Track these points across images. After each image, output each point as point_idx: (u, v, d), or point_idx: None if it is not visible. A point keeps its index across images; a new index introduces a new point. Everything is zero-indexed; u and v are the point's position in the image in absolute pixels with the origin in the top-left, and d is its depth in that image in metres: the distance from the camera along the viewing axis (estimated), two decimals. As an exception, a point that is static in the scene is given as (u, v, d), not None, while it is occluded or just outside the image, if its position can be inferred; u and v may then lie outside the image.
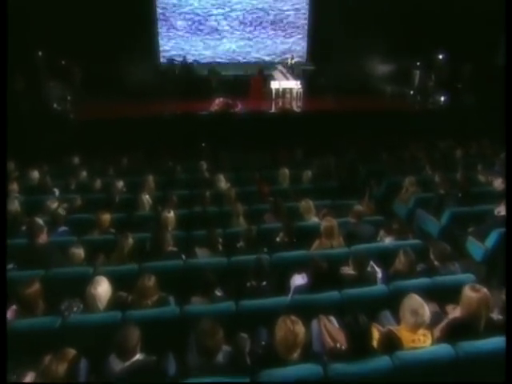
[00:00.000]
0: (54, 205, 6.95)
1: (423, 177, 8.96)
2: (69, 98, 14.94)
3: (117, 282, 4.70)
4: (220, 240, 5.95)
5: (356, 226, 6.36)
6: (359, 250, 5.66)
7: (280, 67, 16.69)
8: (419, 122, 14.08)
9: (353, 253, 5.41)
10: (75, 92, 15.27)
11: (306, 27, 18.49)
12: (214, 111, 13.89)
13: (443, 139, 12.22)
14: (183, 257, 5.75)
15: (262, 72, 16.92)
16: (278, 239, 6.12)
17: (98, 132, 12.52)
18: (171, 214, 6.45)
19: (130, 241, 5.56)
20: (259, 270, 4.98)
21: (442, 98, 15.17)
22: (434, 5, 15.87)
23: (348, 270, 5.34)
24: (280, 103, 15.90)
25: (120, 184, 8.05)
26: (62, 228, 6.44)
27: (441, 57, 15.64)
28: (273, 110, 15.54)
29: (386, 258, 5.72)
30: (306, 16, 18.40)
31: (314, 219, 6.90)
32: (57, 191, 8.06)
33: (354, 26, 16.85)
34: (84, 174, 8.77)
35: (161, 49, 17.74)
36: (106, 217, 6.39)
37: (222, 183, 8.25)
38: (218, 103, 13.94)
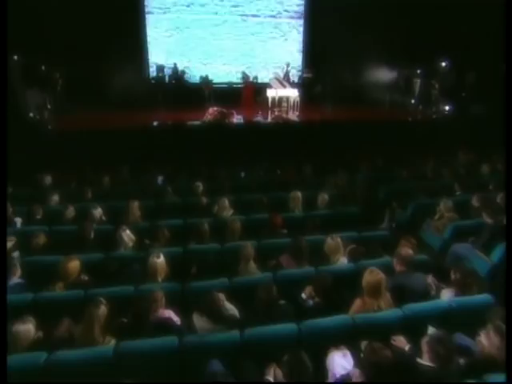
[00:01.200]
0: (10, 243, 5.09)
1: (455, 198, 7.23)
2: (48, 106, 13.03)
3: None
4: (225, 304, 4.08)
5: (405, 276, 4.56)
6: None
7: (276, 75, 14.95)
8: (426, 133, 12.45)
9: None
10: (55, 100, 13.36)
11: (302, 33, 16.79)
12: (208, 121, 12.08)
13: (457, 151, 10.61)
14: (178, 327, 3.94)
15: (248, 81, 15.30)
16: (304, 296, 4.33)
17: (77, 145, 10.59)
18: (161, 260, 4.63)
19: (103, 310, 3.71)
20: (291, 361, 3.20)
21: (447, 108, 13.54)
22: (435, 11, 14.27)
23: (404, 343, 3.63)
24: (276, 112, 14.20)
25: (98, 212, 6.20)
26: (15, 280, 4.57)
27: (444, 64, 14.00)
28: (269, 119, 13.83)
29: (448, 320, 4.03)
30: (302, 22, 16.71)
31: (343, 260, 5.15)
32: (18, 221, 6.18)
33: (351, 33, 15.19)
34: (55, 198, 6.87)
35: (150, 54, 15.87)
36: (74, 264, 4.55)
37: (224, 210, 6.45)
38: (211, 112, 12.13)
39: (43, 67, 13.60)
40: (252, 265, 4.90)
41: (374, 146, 11.45)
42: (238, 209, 6.68)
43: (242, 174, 9.06)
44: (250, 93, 15.28)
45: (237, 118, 12.48)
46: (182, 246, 5.51)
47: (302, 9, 16.56)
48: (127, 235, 5.42)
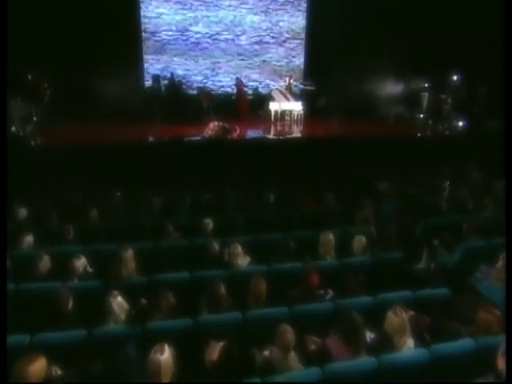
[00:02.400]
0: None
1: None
2: (34, 118, 11.34)
3: None
4: None
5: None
6: None
7: (279, 87, 13.44)
8: (439, 150, 11.03)
9: None
10: (42, 112, 11.67)
11: (303, 44, 15.30)
12: (209, 136, 10.51)
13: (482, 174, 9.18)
14: None
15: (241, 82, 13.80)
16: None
17: (63, 165, 8.98)
18: (166, 357, 3.04)
19: None
20: None
21: (460, 123, 12.12)
22: (443, 22, 12.89)
23: None
24: (279, 126, 12.67)
25: (81, 263, 4.58)
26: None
27: (455, 78, 12.59)
28: (272, 134, 12.30)
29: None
30: (304, 33, 15.23)
31: (409, 343, 3.61)
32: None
33: (356, 43, 13.78)
34: (29, 239, 5.22)
35: (145, 63, 14.24)
36: (38, 367, 2.94)
37: (238, 258, 4.87)
38: (212, 128, 10.56)
39: (29, 76, 11.94)
40: (293, 356, 3.33)
41: (389, 164, 10.05)
42: (255, 254, 5.11)
43: (251, 201, 7.45)
44: (245, 103, 13.78)
45: (239, 134, 10.92)
46: (190, 317, 3.92)
47: (303, 18, 15.11)
48: (118, 304, 3.82)
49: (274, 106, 12.70)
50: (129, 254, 4.63)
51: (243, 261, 4.88)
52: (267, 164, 9.82)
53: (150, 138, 11.19)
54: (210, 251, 4.94)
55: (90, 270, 4.70)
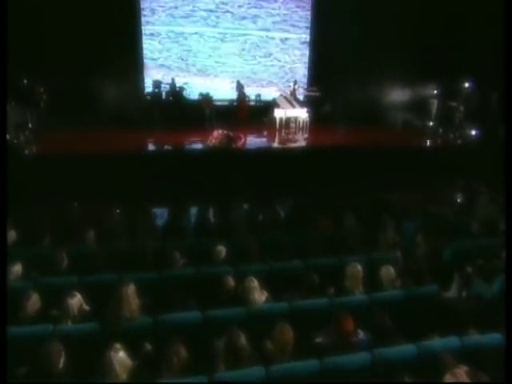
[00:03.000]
0: None
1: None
2: (30, 125, 10.63)
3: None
4: None
5: None
6: None
7: (284, 93, 12.79)
8: (452, 161, 10.41)
9: None
10: (38, 118, 10.96)
11: (308, 49, 14.64)
12: (213, 145, 9.82)
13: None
14: None
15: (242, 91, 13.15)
16: None
17: (58, 175, 8.28)
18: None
19: None
20: None
21: (474, 132, 11.48)
22: (455, 27, 12.29)
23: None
24: (284, 134, 12.04)
25: (76, 302, 3.88)
26: None
27: (467, 85, 11.96)
28: (276, 141, 11.68)
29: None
30: (308, 36, 14.57)
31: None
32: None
33: (362, 48, 13.12)
34: (17, 269, 4.48)
35: (145, 69, 13.54)
36: None
37: (254, 293, 4.18)
38: (216, 136, 9.87)
39: (25, 80, 11.23)
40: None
41: (402, 175, 9.41)
42: (272, 287, 4.43)
43: (262, 218, 6.77)
44: (244, 107, 13.14)
45: (244, 143, 10.23)
46: (206, 375, 3.23)
47: (307, 22, 14.45)
48: (120, 361, 3.13)
49: (278, 113, 12.09)
50: (130, 290, 3.94)
51: (260, 296, 4.20)
52: (275, 175, 9.15)
53: (150, 146, 10.51)
54: (223, 285, 4.25)
55: (85, 307, 4.01)
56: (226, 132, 9.97)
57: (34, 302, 3.84)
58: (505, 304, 3.73)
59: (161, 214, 7.08)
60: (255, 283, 4.17)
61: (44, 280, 4.44)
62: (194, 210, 7.82)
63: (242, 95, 13.24)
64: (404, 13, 12.70)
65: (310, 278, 4.40)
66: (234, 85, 13.46)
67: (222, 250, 4.84)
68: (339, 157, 10.22)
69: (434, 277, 4.94)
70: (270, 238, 5.54)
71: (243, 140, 10.03)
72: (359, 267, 4.43)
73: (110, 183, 8.52)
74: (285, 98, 12.40)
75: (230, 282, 4.24)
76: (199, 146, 10.66)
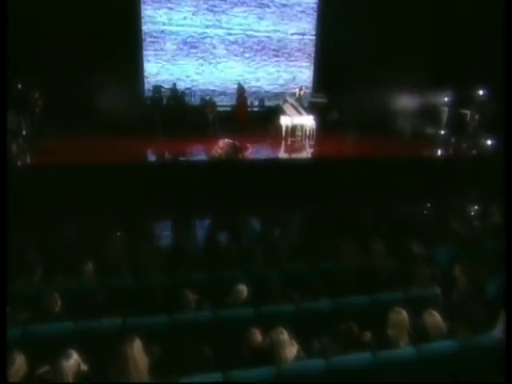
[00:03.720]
0: None
1: None
2: (24, 133, 9.84)
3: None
4: None
5: None
6: None
7: (290, 100, 12.09)
8: (469, 172, 9.74)
9: None
10: (33, 125, 10.19)
11: (313, 54, 13.94)
12: (218, 156, 9.09)
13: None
14: None
15: (242, 94, 12.50)
16: None
17: (54, 189, 7.51)
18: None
19: None
20: None
21: (489, 142, 10.82)
22: (470, 31, 11.60)
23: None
24: (289, 142, 11.36)
25: (71, 364, 3.11)
26: None
27: (481, 92, 11.29)
28: (282, 150, 11.00)
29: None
30: (313, 40, 13.87)
31: None
32: None
33: (371, 53, 12.45)
34: None
35: (146, 73, 12.78)
36: None
37: (284, 348, 3.42)
38: (222, 146, 9.14)
39: (19, 85, 10.44)
40: None
41: (416, 189, 8.77)
42: (302, 335, 3.70)
43: (276, 240, 6.03)
44: (244, 111, 12.46)
45: (251, 153, 9.49)
46: None
47: (313, 24, 13.76)
48: None
49: (285, 121, 11.42)
50: (136, 347, 3.20)
51: (291, 350, 3.46)
52: (285, 188, 8.45)
53: (152, 156, 9.78)
54: (248, 340, 3.52)
55: (83, 368, 3.26)
56: (231, 141, 9.24)
57: (18, 366, 3.08)
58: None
59: (165, 235, 6.32)
60: (285, 335, 3.45)
61: (32, 328, 3.68)
62: (200, 228, 7.13)
63: (242, 97, 12.58)
64: (417, 16, 12.06)
65: (348, 327, 3.68)
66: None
67: (243, 289, 4.09)
68: (349, 169, 9.53)
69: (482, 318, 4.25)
70: (291, 270, 4.82)
71: (250, 150, 9.30)
72: (404, 314, 3.71)
73: (109, 197, 7.80)
74: (291, 105, 11.70)
75: (257, 336, 3.51)
76: (203, 155, 9.94)
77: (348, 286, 4.49)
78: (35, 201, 7.39)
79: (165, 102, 12.34)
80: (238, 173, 8.86)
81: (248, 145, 9.41)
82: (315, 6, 13.52)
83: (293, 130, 11.56)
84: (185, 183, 8.44)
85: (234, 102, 12.85)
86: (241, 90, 12.66)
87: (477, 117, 11.08)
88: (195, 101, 12.82)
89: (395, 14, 12.11)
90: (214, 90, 13.16)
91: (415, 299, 4.30)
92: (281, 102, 13.28)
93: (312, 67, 13.96)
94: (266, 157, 9.89)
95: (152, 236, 5.65)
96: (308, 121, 11.59)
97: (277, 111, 12.16)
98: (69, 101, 10.67)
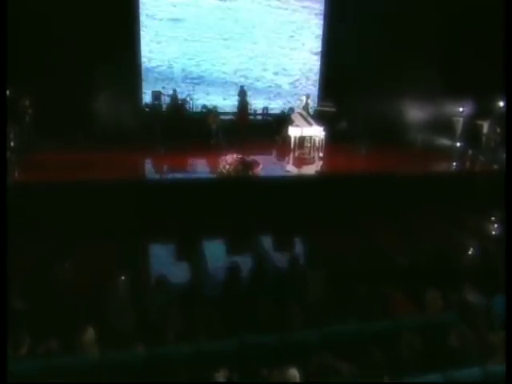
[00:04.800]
0: None
1: None
2: (12, 144, 8.78)
3: None
4: None
5: None
6: None
7: (299, 109, 11.15)
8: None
9: None
10: (22, 135, 9.13)
11: (320, 59, 13.03)
12: (227, 172, 8.12)
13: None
14: None
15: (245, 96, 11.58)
16: None
17: (45, 213, 6.52)
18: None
19: None
20: None
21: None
22: (488, 37, 10.75)
23: None
24: (297, 154, 10.43)
25: None
26: None
27: (502, 104, 10.45)
28: (291, 163, 10.09)
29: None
30: (320, 46, 12.95)
31: None
32: None
33: (381, 60, 11.58)
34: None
35: (144, 78, 11.74)
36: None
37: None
38: (231, 162, 8.16)
39: (8, 92, 9.34)
40: None
41: (437, 208, 7.93)
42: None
43: (303, 284, 5.07)
44: (245, 116, 11.65)
45: (262, 169, 8.54)
46: None
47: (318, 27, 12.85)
48: None
49: (294, 132, 10.46)
50: None
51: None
52: (303, 209, 7.54)
53: (152, 171, 8.79)
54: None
55: None
56: (240, 156, 8.28)
57: None
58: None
59: (174, 273, 5.33)
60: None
61: None
62: (211, 261, 6.17)
63: (244, 102, 11.66)
64: (430, 21, 11.19)
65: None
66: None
67: (295, 375, 3.12)
68: (366, 186, 8.62)
69: None
70: (333, 333, 3.85)
71: (261, 166, 8.35)
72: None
73: (106, 221, 6.81)
74: (300, 114, 10.74)
75: None
76: (208, 170, 9.00)
77: (410, 357, 3.54)
78: (20, 228, 6.35)
79: (164, 109, 11.35)
80: (250, 191, 7.91)
81: (257, 160, 8.46)
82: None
83: (301, 141, 10.64)
84: (191, 204, 7.48)
85: (235, 110, 11.94)
86: (243, 95, 11.74)
87: (498, 129, 10.22)
88: (196, 109, 11.84)
89: (409, 20, 11.24)
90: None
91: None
92: (285, 110, 12.42)
93: (320, 74, 13.02)
94: (276, 172, 8.92)
95: (162, 283, 4.61)
96: (318, 132, 10.67)
97: (284, 121, 11.23)
98: (62, 109, 9.65)
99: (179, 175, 8.30)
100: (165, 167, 8.96)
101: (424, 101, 11.52)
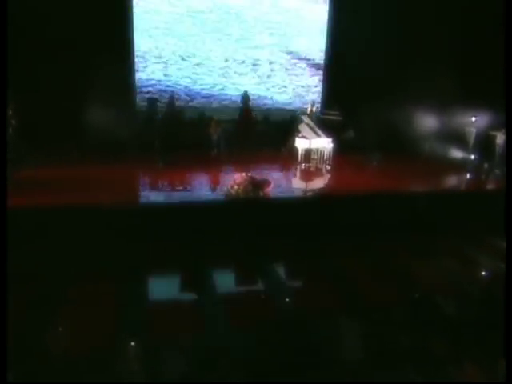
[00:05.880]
0: None
1: None
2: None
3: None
4: None
5: None
6: None
7: (306, 119, 10.28)
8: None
9: None
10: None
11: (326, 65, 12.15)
12: (236, 193, 7.20)
13: None
14: None
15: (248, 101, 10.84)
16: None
17: (27, 253, 5.50)
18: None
19: None
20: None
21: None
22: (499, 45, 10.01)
23: None
24: (304, 167, 9.61)
25: None
26: None
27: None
28: (298, 176, 9.29)
29: None
30: (324, 50, 12.08)
31: None
32: None
33: (392, 65, 10.81)
34: None
35: (137, 81, 10.70)
36: None
37: None
38: (240, 181, 7.23)
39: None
40: None
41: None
42: None
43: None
44: (249, 123, 10.87)
45: (273, 188, 7.63)
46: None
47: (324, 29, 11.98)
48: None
49: (301, 144, 9.63)
50: None
51: None
52: (319, 235, 6.69)
53: (151, 191, 7.81)
54: None
55: None
56: (249, 175, 7.37)
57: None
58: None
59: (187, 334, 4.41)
60: None
61: None
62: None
63: (247, 108, 10.78)
64: (443, 27, 10.42)
65: None
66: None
67: None
68: (377, 203, 7.78)
69: None
70: None
71: (272, 185, 7.45)
72: None
73: (100, 252, 5.85)
74: (308, 125, 9.90)
75: None
76: (211, 187, 8.10)
77: None
78: None
79: (161, 117, 10.36)
80: (261, 213, 7.02)
81: (269, 178, 7.57)
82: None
83: (308, 153, 9.81)
84: (197, 229, 6.56)
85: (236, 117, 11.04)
86: (246, 100, 10.87)
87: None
88: (194, 115, 10.88)
89: (421, 26, 10.47)
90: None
91: None
92: (289, 118, 11.54)
93: (325, 78, 12.15)
94: (286, 190, 8.03)
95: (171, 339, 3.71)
96: (326, 144, 9.85)
97: (290, 131, 10.36)
98: (48, 119, 8.63)
99: (181, 195, 7.34)
100: (165, 186, 7.99)
101: (435, 110, 10.78)
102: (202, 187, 7.92)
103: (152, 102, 10.38)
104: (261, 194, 7.30)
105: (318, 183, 8.99)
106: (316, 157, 9.92)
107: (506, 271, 3.79)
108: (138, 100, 10.48)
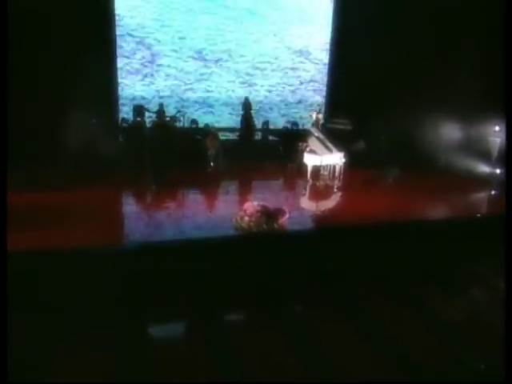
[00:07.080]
0: None
1: None
2: None
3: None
4: None
5: None
6: None
7: (314, 131, 9.02)
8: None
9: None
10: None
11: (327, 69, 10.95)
12: (247, 226, 5.86)
13: None
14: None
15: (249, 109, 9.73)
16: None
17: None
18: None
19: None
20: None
21: None
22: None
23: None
24: (311, 183, 8.39)
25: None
26: None
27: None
28: (306, 196, 8.05)
29: None
30: (327, 54, 10.86)
31: None
32: None
33: (405, 68, 9.68)
34: None
35: (122, 87, 9.29)
36: None
37: None
38: (251, 213, 5.86)
39: None
40: None
41: None
42: None
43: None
44: (250, 133, 9.81)
45: (289, 218, 6.32)
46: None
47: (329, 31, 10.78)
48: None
49: (311, 160, 8.37)
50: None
51: None
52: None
53: (144, 226, 6.39)
54: None
55: None
56: (262, 205, 6.03)
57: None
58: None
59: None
60: None
61: None
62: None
63: (248, 116, 9.55)
64: (461, 30, 9.32)
65: None
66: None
67: None
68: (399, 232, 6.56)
69: None
70: None
71: (288, 215, 6.15)
72: None
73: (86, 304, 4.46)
74: (318, 138, 8.62)
75: None
76: (215, 213, 6.77)
77: None
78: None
79: (149, 128, 8.95)
80: (277, 248, 5.71)
81: (284, 208, 6.25)
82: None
83: (317, 169, 8.58)
84: (200, 270, 5.22)
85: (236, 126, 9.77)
86: (247, 107, 9.59)
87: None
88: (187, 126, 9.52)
89: (438, 28, 9.36)
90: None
91: None
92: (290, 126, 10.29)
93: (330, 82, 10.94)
94: (303, 219, 6.75)
95: None
96: (338, 160, 8.63)
97: (296, 143, 9.12)
98: (17, 133, 7.14)
99: (181, 230, 5.98)
100: (161, 217, 6.59)
101: (455, 118, 9.65)
102: (205, 218, 6.51)
103: (138, 108, 8.93)
104: (275, 226, 5.99)
105: (326, 201, 7.74)
106: (326, 172, 8.69)
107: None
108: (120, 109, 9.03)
